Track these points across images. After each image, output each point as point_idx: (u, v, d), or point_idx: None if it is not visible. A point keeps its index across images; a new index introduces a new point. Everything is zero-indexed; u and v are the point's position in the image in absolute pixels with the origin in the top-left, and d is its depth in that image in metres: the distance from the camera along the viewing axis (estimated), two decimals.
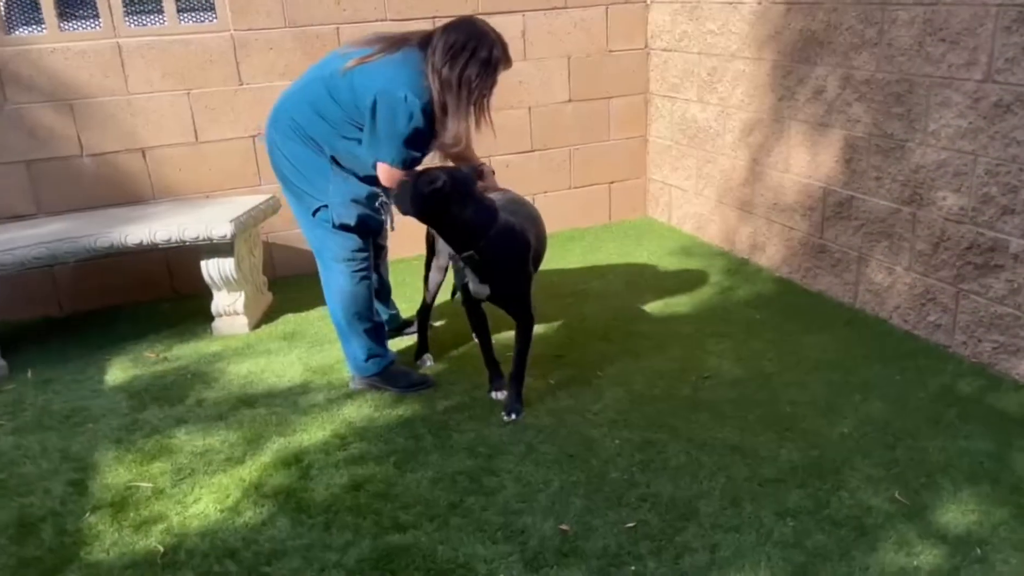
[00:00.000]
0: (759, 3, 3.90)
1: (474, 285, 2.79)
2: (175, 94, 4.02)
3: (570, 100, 4.77)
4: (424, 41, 2.72)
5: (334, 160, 2.85)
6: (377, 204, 2.92)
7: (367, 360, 3.10)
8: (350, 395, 3.11)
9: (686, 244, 4.61)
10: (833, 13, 3.46)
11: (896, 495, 2.36)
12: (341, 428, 2.88)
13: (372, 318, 3.08)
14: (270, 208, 3.92)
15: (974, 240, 3.01)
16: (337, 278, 3.02)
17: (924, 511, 2.29)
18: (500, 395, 2.96)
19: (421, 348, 3.39)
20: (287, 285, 4.28)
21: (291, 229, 4.37)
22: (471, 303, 2.93)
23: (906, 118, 3.21)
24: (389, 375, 3.13)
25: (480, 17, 2.80)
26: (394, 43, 2.76)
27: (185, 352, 3.58)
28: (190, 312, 3.98)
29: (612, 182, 5.05)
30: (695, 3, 4.37)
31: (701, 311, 3.71)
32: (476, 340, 3.09)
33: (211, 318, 3.77)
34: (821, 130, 3.65)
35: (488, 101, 2.76)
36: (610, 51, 4.79)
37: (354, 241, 2.96)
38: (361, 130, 2.75)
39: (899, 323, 3.41)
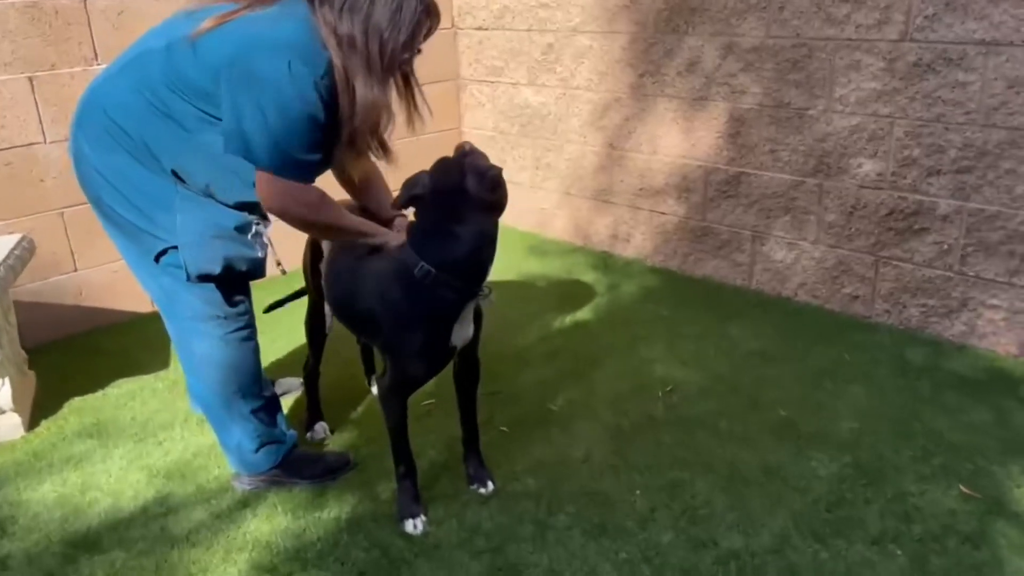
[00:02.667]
0: None
1: (462, 330, 1.99)
2: None
3: None
4: None
5: (177, 176, 1.94)
6: (250, 237, 2.04)
7: (258, 451, 2.21)
8: (244, 501, 2.21)
9: (533, 243, 4.16)
10: None
11: (962, 489, 2.13)
12: (262, 555, 2.00)
13: (262, 393, 2.20)
14: (27, 254, 2.75)
15: (895, 205, 2.93)
16: (202, 345, 2.10)
17: (1002, 503, 2.08)
18: (417, 527, 2.06)
19: (313, 416, 2.55)
20: (45, 357, 3.08)
21: (39, 279, 3.18)
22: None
23: (805, 85, 3.05)
24: (293, 464, 2.27)
25: None
26: None
27: None
28: None
29: None
30: None
31: (604, 315, 3.29)
32: (394, 445, 2.11)
33: None
34: (698, 105, 3.40)
35: (411, 69, 2.01)
36: None
37: (225, 290, 2.06)
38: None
39: (807, 299, 3.29)
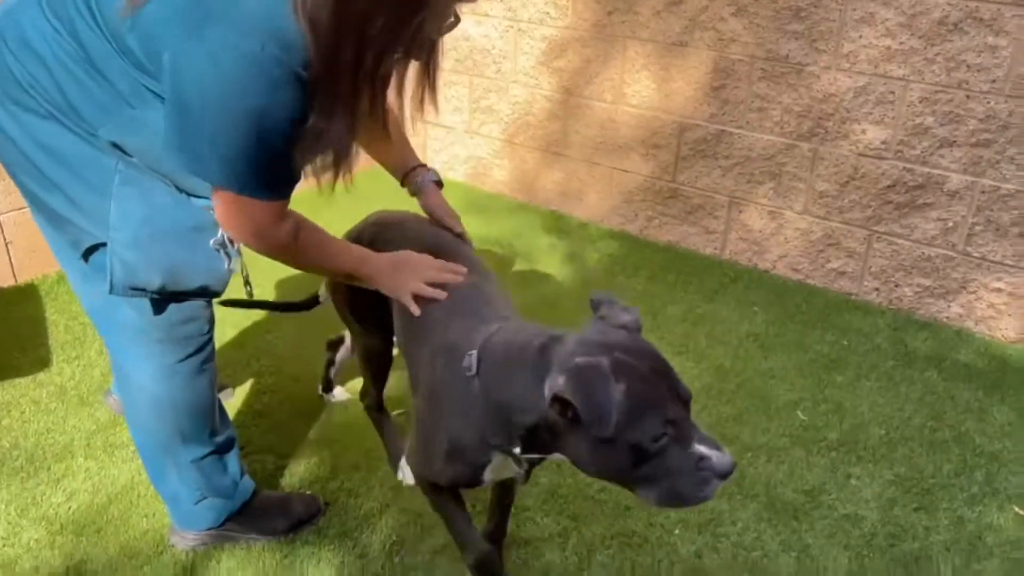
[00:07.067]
0: None
1: (511, 466, 1.44)
2: None
3: None
4: None
5: (118, 148, 1.36)
6: (213, 243, 1.45)
7: (198, 503, 1.71)
8: (187, 567, 1.72)
9: (470, 198, 3.68)
10: None
11: (1017, 511, 1.95)
12: None
13: (213, 437, 1.68)
14: None
15: (899, 177, 2.69)
16: (138, 373, 1.58)
17: None
18: None
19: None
20: None
21: None
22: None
23: (807, 37, 2.72)
24: (250, 516, 1.79)
25: None
26: None
27: None
28: None
29: None
30: None
31: (574, 291, 2.91)
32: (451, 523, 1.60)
33: None
34: (677, 51, 3.01)
35: (433, 58, 1.32)
36: None
37: (174, 305, 1.52)
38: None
39: (786, 273, 3.04)
